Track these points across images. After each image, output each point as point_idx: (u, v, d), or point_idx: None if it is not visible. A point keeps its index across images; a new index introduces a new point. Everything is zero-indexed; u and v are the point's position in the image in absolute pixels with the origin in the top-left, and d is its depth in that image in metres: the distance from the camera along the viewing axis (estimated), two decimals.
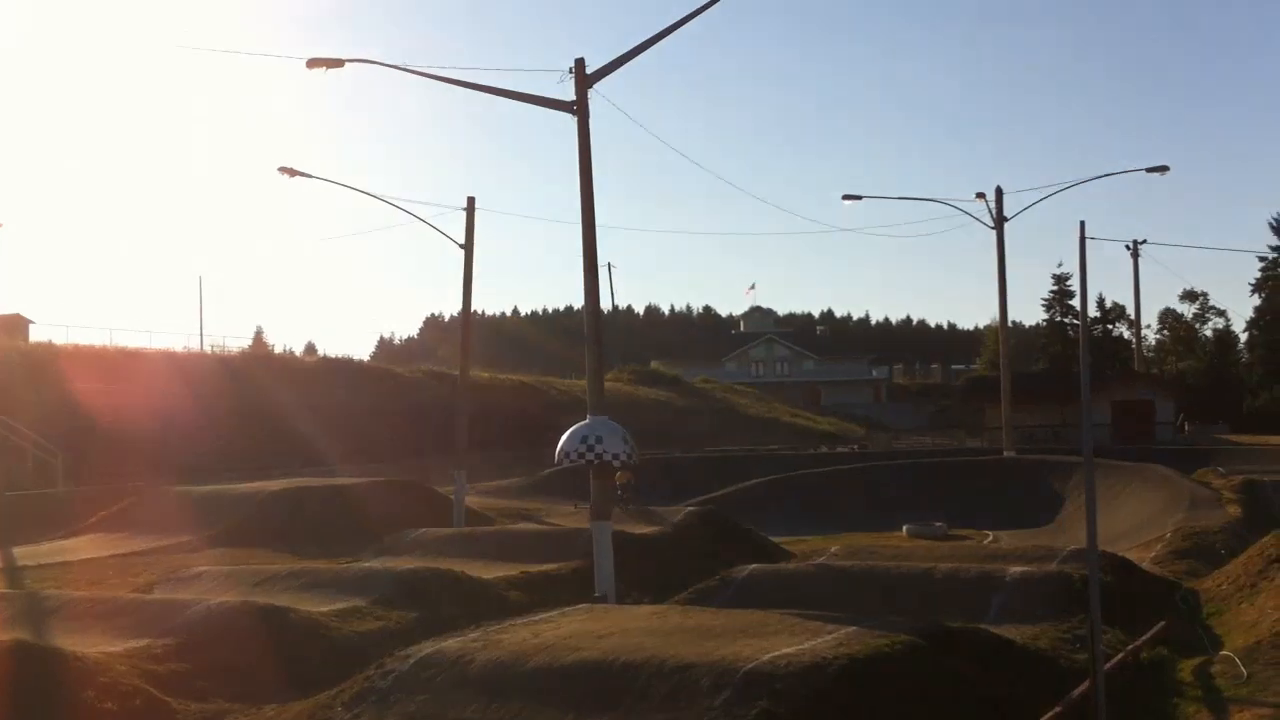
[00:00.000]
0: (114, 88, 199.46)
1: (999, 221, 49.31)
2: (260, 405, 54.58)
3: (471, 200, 35.53)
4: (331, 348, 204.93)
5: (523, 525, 33.54)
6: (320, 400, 57.14)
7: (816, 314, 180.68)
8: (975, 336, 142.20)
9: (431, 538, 27.31)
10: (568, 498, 40.69)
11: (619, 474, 36.31)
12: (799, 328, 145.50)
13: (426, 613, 18.17)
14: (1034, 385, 71.09)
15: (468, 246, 35.41)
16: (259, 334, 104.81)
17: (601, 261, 22.78)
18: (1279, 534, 20.27)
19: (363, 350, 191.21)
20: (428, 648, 13.88)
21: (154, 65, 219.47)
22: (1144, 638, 15.97)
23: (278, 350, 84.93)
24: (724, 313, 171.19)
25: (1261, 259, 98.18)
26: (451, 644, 13.92)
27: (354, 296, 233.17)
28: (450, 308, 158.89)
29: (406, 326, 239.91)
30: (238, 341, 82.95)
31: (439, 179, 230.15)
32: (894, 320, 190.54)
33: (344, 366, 69.18)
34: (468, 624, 15.41)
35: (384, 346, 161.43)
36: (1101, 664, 11.98)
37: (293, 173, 34.92)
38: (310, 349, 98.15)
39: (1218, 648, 16.16)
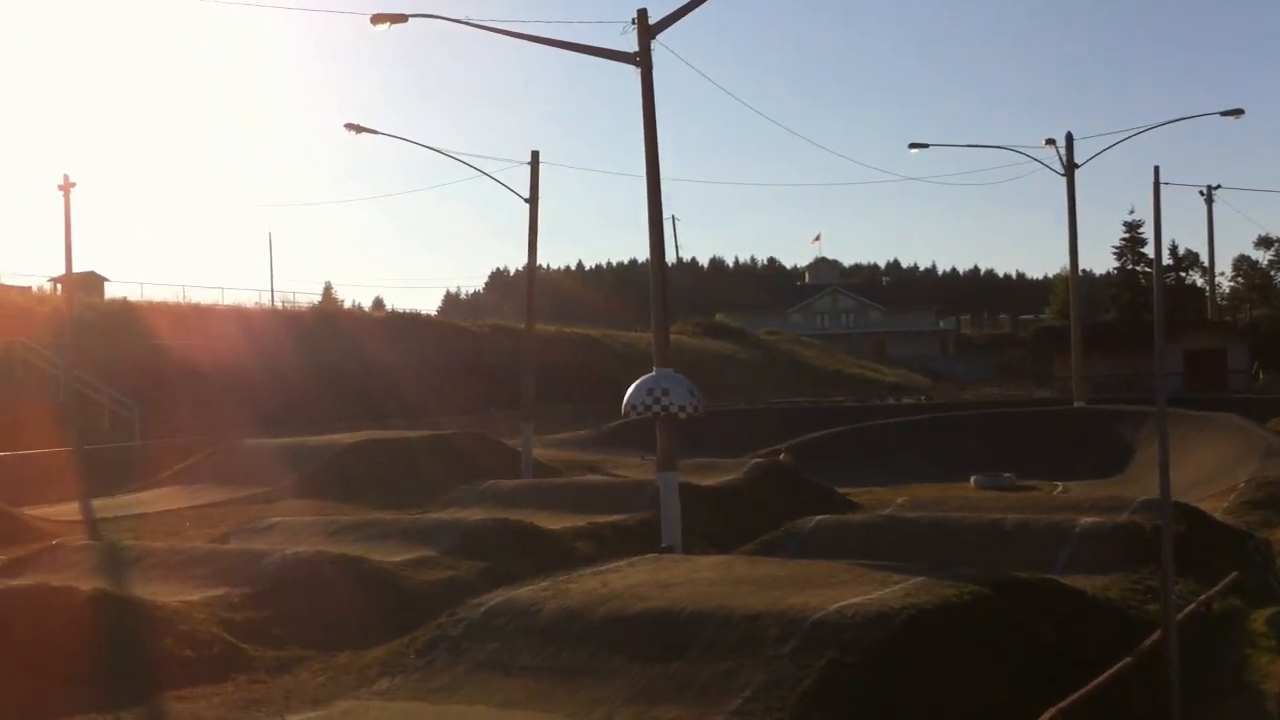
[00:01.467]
0: (185, 45, 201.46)
1: (1069, 168, 48.47)
2: (329, 360, 55.23)
3: (535, 154, 35.59)
4: (399, 303, 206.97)
5: (590, 477, 33.74)
6: (388, 355, 57.71)
7: (882, 265, 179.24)
8: (1044, 286, 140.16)
9: (499, 489, 27.58)
10: (634, 450, 40.85)
11: (783, 455, 36.97)
12: (864, 279, 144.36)
13: (495, 563, 18.39)
14: (1104, 335, 70.14)
15: (532, 200, 35.46)
16: (328, 289, 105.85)
17: (666, 214, 22.76)
18: None
19: (430, 305, 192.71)
20: (498, 596, 14.09)
21: (224, 21, 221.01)
22: (1216, 588, 15.82)
23: (346, 305, 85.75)
24: (789, 264, 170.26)
25: None
26: (522, 593, 14.11)
27: (421, 252, 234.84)
28: (515, 262, 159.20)
29: (473, 281, 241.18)
30: (307, 297, 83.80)
31: (503, 134, 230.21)
32: (961, 270, 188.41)
33: (411, 321, 69.82)
34: (535, 574, 15.60)
35: (450, 301, 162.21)
36: (1173, 615, 11.90)
37: (359, 129, 35.11)
38: (378, 304, 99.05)
39: None
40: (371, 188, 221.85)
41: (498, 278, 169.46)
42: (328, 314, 70.63)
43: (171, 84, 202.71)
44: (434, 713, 11.59)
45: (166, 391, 46.09)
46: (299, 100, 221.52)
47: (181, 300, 61.51)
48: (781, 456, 39.87)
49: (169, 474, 34.13)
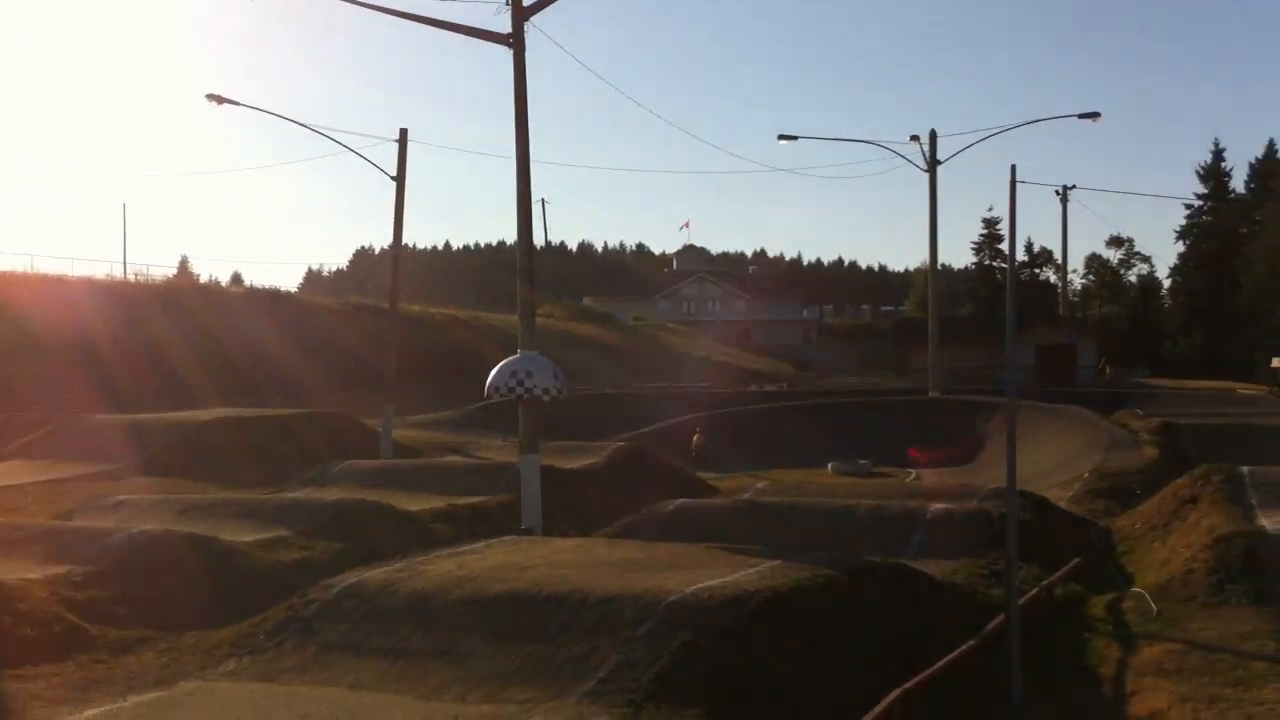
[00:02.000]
0: (44, 12, 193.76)
1: (932, 165, 49.56)
2: (184, 335, 53.68)
3: (404, 132, 35.09)
4: (259, 279, 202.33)
5: (450, 458, 33.50)
6: (246, 331, 56.35)
7: (749, 254, 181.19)
8: (905, 279, 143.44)
9: (358, 469, 27.22)
10: (497, 432, 40.67)
11: (696, 437, 37.50)
12: (732, 267, 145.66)
13: (351, 544, 18.12)
14: (961, 328, 71.91)
15: (399, 178, 34.99)
16: (184, 263, 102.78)
17: (535, 197, 22.66)
18: (1192, 475, 20.77)
19: (291, 282, 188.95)
20: (351, 578, 13.89)
21: None
22: (1058, 574, 16.32)
23: (203, 280, 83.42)
24: (658, 251, 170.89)
25: (1187, 206, 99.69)
26: (376, 574, 13.94)
27: (283, 228, 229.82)
28: (381, 240, 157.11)
29: (336, 258, 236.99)
30: (162, 271, 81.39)
31: (372, 111, 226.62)
32: (826, 261, 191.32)
33: (271, 298, 68.21)
34: (393, 555, 15.44)
35: (312, 278, 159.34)
36: (1016, 599, 12.26)
37: (220, 100, 34.22)
38: (236, 279, 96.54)
39: (1129, 585, 16.58)
40: (234, 162, 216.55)
41: (362, 256, 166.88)
42: (183, 288, 68.55)
43: (26, 52, 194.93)
44: (282, 694, 11.36)
45: (11, 363, 44.36)
46: (160, 71, 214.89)
47: (30, 270, 59.19)
48: (695, 439, 40.37)
49: (11, 448, 32.88)
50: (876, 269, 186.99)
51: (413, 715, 10.35)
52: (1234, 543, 16.07)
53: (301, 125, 37.03)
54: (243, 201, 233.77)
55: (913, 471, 35.29)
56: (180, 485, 26.69)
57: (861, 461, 35.85)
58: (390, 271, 37.69)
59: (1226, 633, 13.38)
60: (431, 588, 13.12)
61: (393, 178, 34.94)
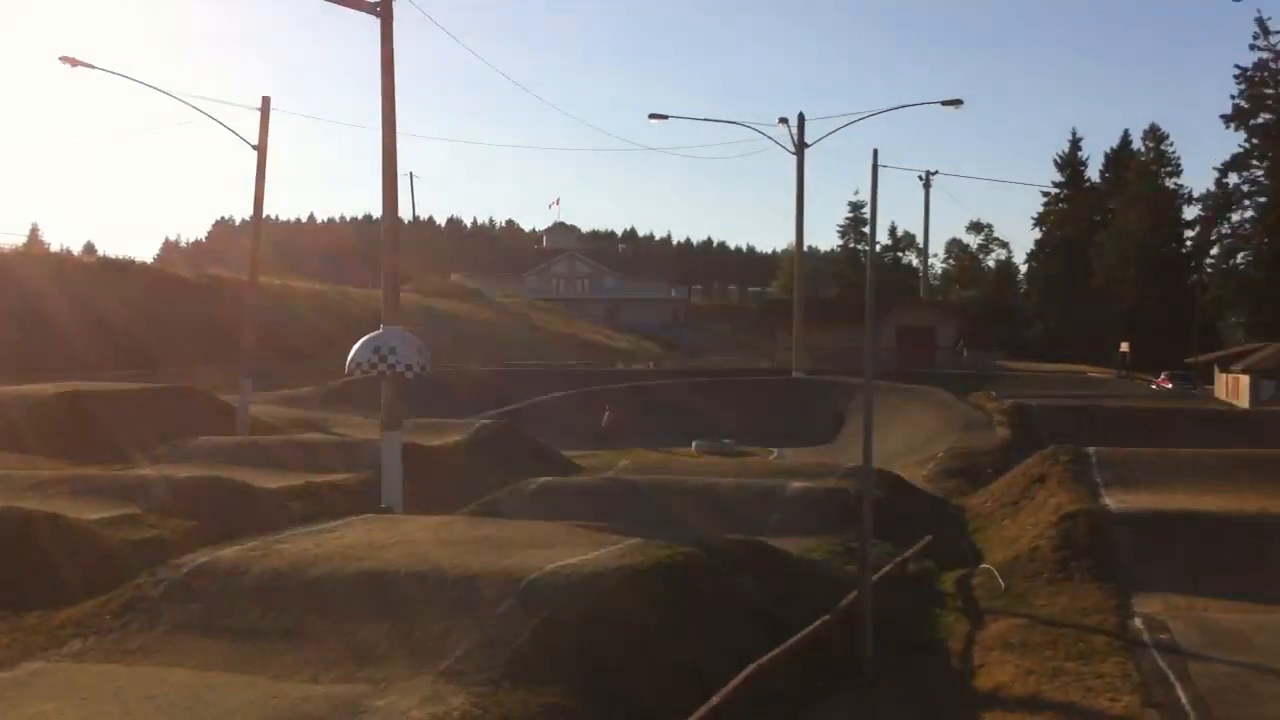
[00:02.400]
0: None
1: (800, 147, 50.15)
2: (32, 306, 51.77)
3: (266, 100, 34.23)
4: (113, 248, 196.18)
5: (310, 435, 32.87)
6: (99, 302, 54.53)
7: (619, 232, 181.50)
8: (773, 260, 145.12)
9: (212, 446, 26.56)
10: (360, 409, 40.06)
11: (606, 414, 37.03)
12: (602, 245, 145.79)
13: (204, 522, 17.68)
14: (826, 309, 72.98)
15: (260, 148, 34.15)
16: (35, 231, 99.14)
17: (402, 170, 22.34)
18: (1041, 456, 21.42)
19: (147, 252, 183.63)
20: (202, 557, 13.54)
21: None
22: (911, 551, 16.71)
23: (54, 249, 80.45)
24: (527, 228, 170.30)
25: (1045, 194, 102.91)
26: (228, 553, 13.61)
27: (140, 196, 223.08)
28: (242, 211, 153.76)
29: (195, 229, 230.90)
30: (11, 239, 78.42)
31: (234, 78, 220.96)
32: (695, 241, 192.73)
33: (125, 268, 66.09)
34: (247, 534, 15.10)
35: (170, 249, 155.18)
36: (869, 575, 12.50)
37: (75, 63, 32.94)
38: (89, 249, 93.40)
39: (979, 561, 17.04)
40: (89, 128, 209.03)
41: (222, 226, 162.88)
42: (32, 257, 66.07)
43: None
44: (128, 675, 11.03)
45: None
46: (10, 33, 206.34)
47: None
48: (606, 416, 40.17)
49: None
50: (745, 250, 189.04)
51: (264, 696, 10.12)
52: (1079, 521, 16.63)
53: (159, 90, 35.90)
54: (98, 170, 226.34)
55: (775, 451, 35.75)
56: (25, 461, 25.70)
57: (725, 440, 36.19)
58: (251, 242, 36.78)
59: (1070, 608, 13.84)
60: (286, 567, 12.87)
61: (254, 147, 34.10)
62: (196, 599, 12.54)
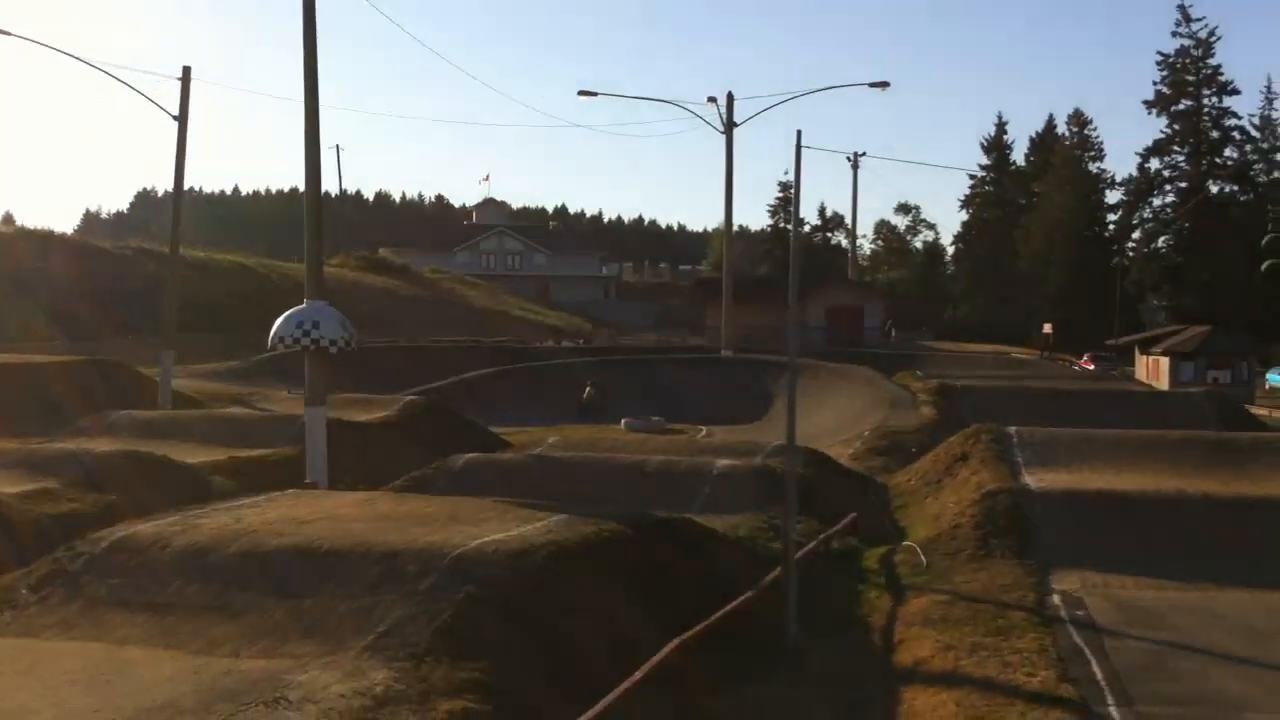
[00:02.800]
0: None
1: (729, 126, 50.21)
2: None
3: (187, 70, 33.65)
4: (32, 219, 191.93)
5: (234, 409, 32.49)
6: (18, 274, 53.48)
7: (550, 209, 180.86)
8: (704, 238, 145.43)
9: (134, 420, 26.16)
10: (285, 383, 39.65)
11: (588, 388, 36.49)
12: (532, 221, 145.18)
13: (124, 496, 17.44)
14: (756, 288, 73.29)
15: (181, 119, 33.55)
16: None
17: (328, 143, 22.03)
18: (964, 434, 21.67)
19: (67, 223, 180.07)
20: (121, 531, 13.33)
21: None
22: (835, 528, 16.83)
23: None
24: (457, 203, 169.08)
25: (971, 176, 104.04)
26: (147, 528, 13.41)
27: (60, 167, 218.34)
28: (164, 183, 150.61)
29: (116, 200, 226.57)
30: None
31: (156, 48, 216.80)
32: (626, 219, 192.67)
33: (44, 239, 64.80)
34: (168, 509, 14.88)
35: (91, 220, 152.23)
36: (793, 552, 12.58)
37: None
38: (8, 219, 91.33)
39: (903, 539, 17.23)
40: (8, 97, 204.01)
41: (144, 198, 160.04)
42: None
43: None
44: (46, 650, 10.84)
45: None
46: None
47: None
48: (587, 390, 39.99)
49: None
50: (676, 228, 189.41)
51: (184, 671, 10.00)
52: (999, 499, 16.88)
53: (78, 60, 35.12)
54: (16, 139, 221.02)
55: (703, 429, 35.89)
56: None
57: (654, 418, 36.24)
58: (172, 214, 36.14)
59: (990, 584, 14.04)
60: (207, 541, 12.70)
61: (175, 117, 33.52)
62: (115, 573, 12.35)
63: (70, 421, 26.42)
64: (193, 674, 9.87)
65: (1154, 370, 59.85)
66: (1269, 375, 68.46)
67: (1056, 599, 13.35)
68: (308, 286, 21.00)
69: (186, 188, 36.07)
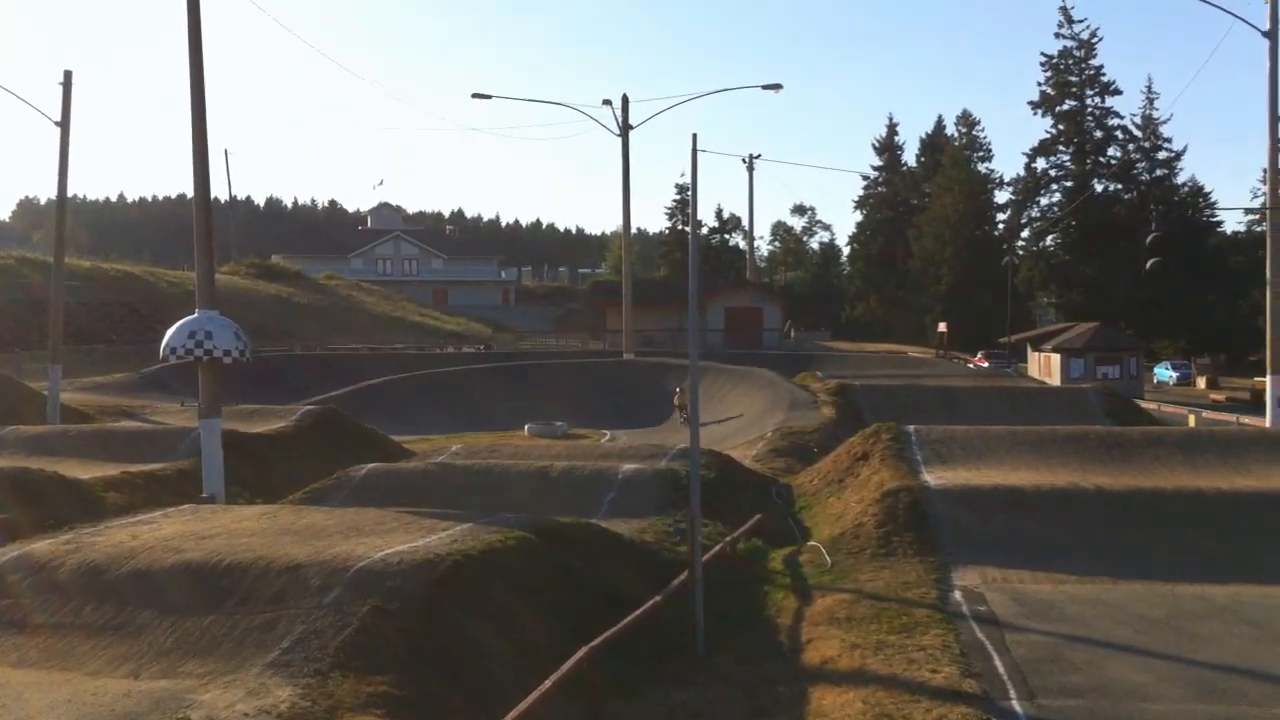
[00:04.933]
0: None
1: (624, 129, 50.32)
2: None
3: (69, 74, 32.75)
4: None
5: (125, 423, 31.72)
6: None
7: (446, 213, 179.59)
8: (602, 241, 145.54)
9: (21, 435, 25.40)
10: (177, 395, 38.84)
11: (679, 392, 34.41)
12: (428, 226, 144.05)
13: (13, 514, 16.88)
14: (655, 291, 73.68)
15: (64, 124, 32.66)
16: None
17: (217, 148, 21.61)
18: (864, 434, 21.93)
19: None
20: (12, 551, 12.96)
21: None
22: (740, 531, 16.92)
23: None
24: (351, 208, 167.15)
25: (864, 178, 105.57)
26: (40, 547, 13.04)
27: None
28: (46, 190, 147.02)
29: None
30: None
31: (33, 51, 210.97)
32: (524, 223, 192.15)
33: None
34: (59, 527, 14.49)
35: None
36: (699, 555, 12.62)
37: None
38: None
39: (807, 539, 17.36)
40: None
41: (27, 206, 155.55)
42: None
43: None
44: None
45: None
46: None
47: None
48: (677, 398, 38.19)
49: None
50: (575, 231, 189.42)
51: (81, 694, 9.72)
52: (900, 496, 17.11)
53: None
54: None
55: (607, 433, 35.90)
56: None
57: (557, 423, 36.19)
58: (56, 223, 35.17)
59: (893, 582, 14.22)
60: (103, 560, 12.38)
61: (57, 123, 32.62)
62: (8, 594, 12.01)
63: None
64: (90, 696, 9.61)
65: (1046, 367, 61.21)
66: (1157, 370, 70.46)
67: (958, 595, 13.57)
68: (199, 295, 20.57)
69: (70, 195, 35.13)
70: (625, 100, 50.20)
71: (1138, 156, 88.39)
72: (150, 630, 11.09)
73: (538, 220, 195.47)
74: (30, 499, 18.10)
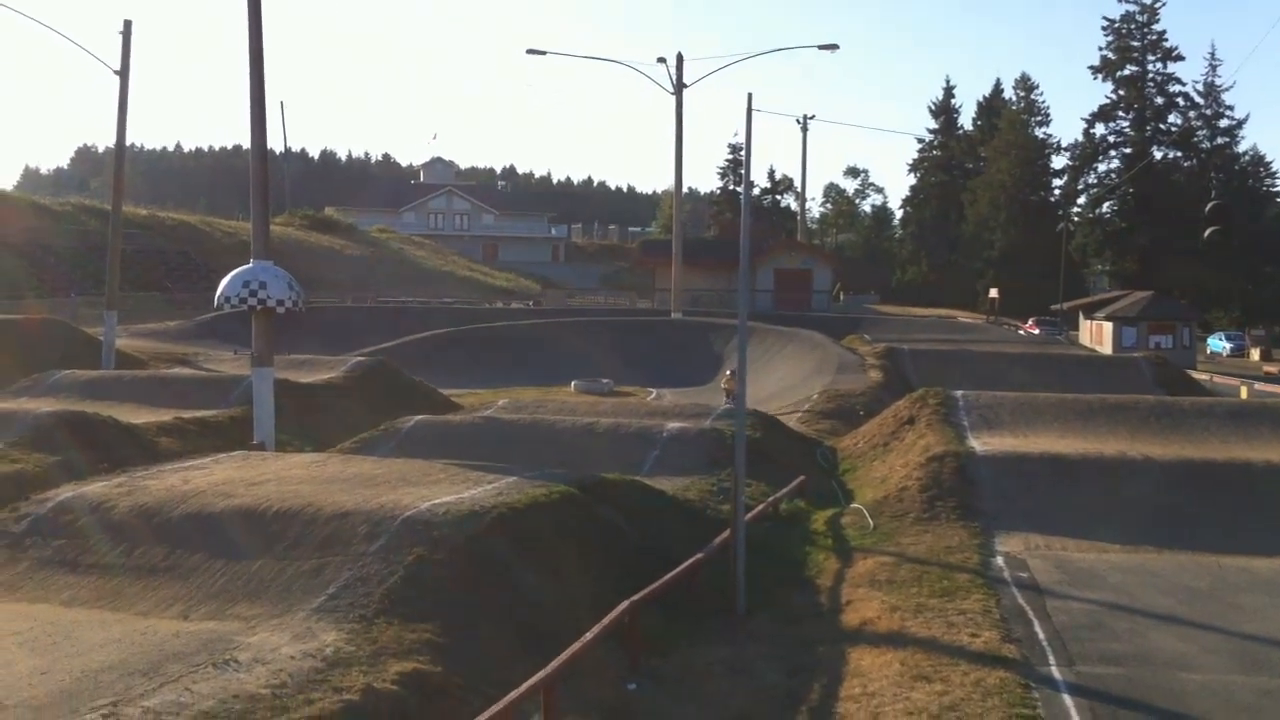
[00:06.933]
0: None
1: (679, 87, 49.99)
2: None
3: (128, 24, 32.99)
4: None
5: (179, 370, 32.13)
6: None
7: (499, 169, 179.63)
8: (653, 200, 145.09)
9: (77, 380, 25.81)
10: (230, 343, 39.28)
11: (728, 379, 32.19)
12: (481, 181, 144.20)
13: (68, 457, 17.27)
14: (705, 250, 73.33)
15: (123, 73, 32.93)
16: None
17: (273, 99, 21.72)
18: (911, 398, 21.86)
19: (7, 180, 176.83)
20: (67, 491, 13.24)
21: None
22: (783, 491, 16.96)
23: None
24: (404, 162, 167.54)
25: (919, 140, 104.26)
26: (94, 488, 13.31)
27: None
28: (105, 139, 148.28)
29: (56, 157, 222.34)
30: None
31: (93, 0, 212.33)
32: (575, 180, 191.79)
33: None
34: (114, 470, 14.77)
35: (30, 177, 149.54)
36: (742, 515, 12.67)
37: None
38: None
39: (849, 501, 17.38)
40: None
41: (84, 154, 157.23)
42: None
43: None
44: None
45: None
46: None
47: None
48: (727, 377, 34.87)
49: None
50: (625, 190, 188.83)
51: (131, 633, 9.94)
52: (945, 462, 17.06)
53: (18, 12, 34.31)
54: None
55: (653, 391, 35.95)
56: None
57: (604, 380, 36.26)
58: (114, 171, 35.55)
59: (935, 546, 14.21)
60: (154, 502, 12.62)
61: (116, 72, 32.89)
62: (61, 535, 12.27)
63: (11, 382, 26.02)
64: (141, 635, 9.81)
65: (1097, 335, 60.53)
66: (1210, 340, 69.52)
67: (1000, 561, 13.55)
68: (254, 246, 20.77)
69: (128, 144, 35.41)
70: (680, 58, 49.90)
71: (1198, 124, 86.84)
72: (200, 573, 11.31)
73: (589, 178, 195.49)
74: (85, 442, 18.44)
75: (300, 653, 9.19)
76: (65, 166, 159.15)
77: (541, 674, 8.67)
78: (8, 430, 18.57)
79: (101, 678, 8.64)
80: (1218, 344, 68.96)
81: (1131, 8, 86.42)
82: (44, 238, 57.20)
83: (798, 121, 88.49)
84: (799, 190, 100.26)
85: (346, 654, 9.21)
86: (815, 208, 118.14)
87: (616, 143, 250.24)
